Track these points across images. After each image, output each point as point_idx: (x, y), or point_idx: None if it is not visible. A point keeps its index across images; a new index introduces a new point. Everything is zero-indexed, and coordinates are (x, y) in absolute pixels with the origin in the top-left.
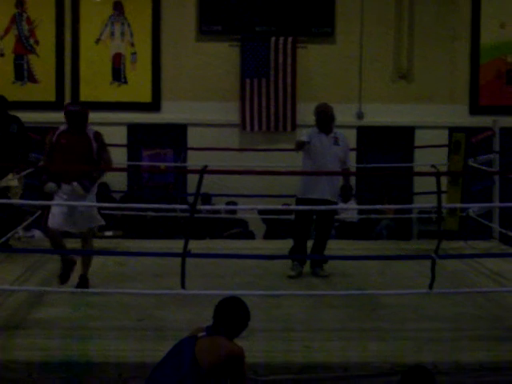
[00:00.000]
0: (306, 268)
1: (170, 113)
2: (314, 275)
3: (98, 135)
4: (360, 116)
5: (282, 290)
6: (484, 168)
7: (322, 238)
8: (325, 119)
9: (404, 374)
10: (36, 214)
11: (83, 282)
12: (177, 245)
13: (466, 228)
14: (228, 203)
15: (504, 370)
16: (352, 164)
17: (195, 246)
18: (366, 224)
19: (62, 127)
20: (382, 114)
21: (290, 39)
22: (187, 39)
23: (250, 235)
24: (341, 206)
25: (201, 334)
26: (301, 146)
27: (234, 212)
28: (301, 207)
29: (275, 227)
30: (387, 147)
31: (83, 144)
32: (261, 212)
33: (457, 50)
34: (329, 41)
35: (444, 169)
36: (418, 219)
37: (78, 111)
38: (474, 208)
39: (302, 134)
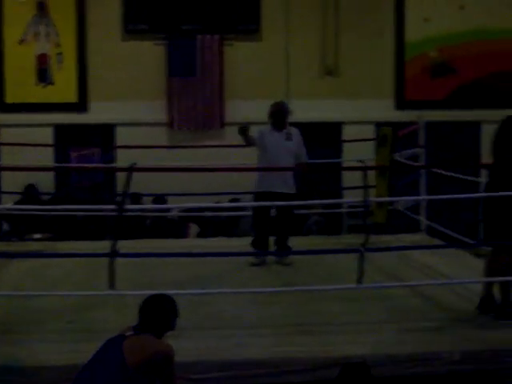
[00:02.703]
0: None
1: (97, 113)
2: (278, 263)
3: None
4: None
5: (212, 289)
6: (410, 163)
7: (281, 230)
8: (276, 117)
9: (342, 369)
10: None
11: None
12: (107, 245)
13: (394, 221)
14: (155, 201)
15: (431, 361)
16: None
17: (126, 245)
18: (296, 220)
19: None
20: (309, 110)
21: (216, 37)
22: (113, 39)
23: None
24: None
25: (129, 333)
26: (247, 140)
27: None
28: (231, 204)
29: (206, 225)
30: (315, 143)
31: None
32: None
33: (382, 46)
34: (255, 38)
35: (372, 163)
36: (347, 214)
37: None
38: (401, 201)
39: (256, 132)
